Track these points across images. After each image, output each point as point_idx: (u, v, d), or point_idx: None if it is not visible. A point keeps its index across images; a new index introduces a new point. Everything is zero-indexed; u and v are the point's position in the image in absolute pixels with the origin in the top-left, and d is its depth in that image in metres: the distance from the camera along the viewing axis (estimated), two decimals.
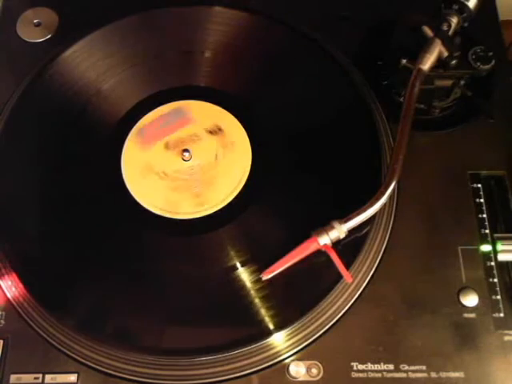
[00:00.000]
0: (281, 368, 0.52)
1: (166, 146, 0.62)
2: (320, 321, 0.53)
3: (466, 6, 0.59)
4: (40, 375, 0.52)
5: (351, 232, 0.54)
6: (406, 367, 0.52)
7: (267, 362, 0.52)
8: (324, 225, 0.53)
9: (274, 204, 0.59)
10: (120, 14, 0.68)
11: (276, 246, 0.55)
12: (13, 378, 0.52)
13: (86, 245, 0.57)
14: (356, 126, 0.62)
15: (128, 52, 0.67)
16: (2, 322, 0.54)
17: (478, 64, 0.59)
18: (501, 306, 0.54)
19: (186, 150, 0.61)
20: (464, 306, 0.54)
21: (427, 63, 0.57)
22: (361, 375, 0.52)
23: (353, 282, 0.54)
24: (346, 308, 0.54)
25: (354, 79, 0.64)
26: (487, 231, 0.57)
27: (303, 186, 0.60)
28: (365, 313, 0.54)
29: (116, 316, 0.54)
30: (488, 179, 0.60)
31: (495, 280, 0.55)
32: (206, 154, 0.62)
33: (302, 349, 0.53)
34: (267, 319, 0.53)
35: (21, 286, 0.54)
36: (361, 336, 0.53)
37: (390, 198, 0.57)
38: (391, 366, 0.52)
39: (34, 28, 0.70)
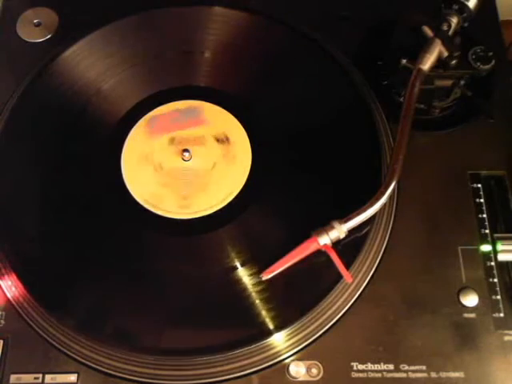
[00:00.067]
0: (281, 368, 0.52)
1: (171, 141, 0.62)
2: (320, 321, 0.53)
3: (466, 6, 0.59)
4: (40, 375, 0.52)
5: (351, 232, 0.54)
6: (406, 367, 0.52)
7: (267, 362, 0.52)
8: (324, 225, 0.53)
9: (273, 204, 0.59)
10: (120, 14, 0.68)
11: (276, 246, 0.55)
12: (13, 378, 0.52)
13: (85, 245, 0.57)
14: (356, 126, 0.61)
15: (128, 52, 0.67)
16: (2, 321, 0.54)
17: (478, 64, 0.59)
18: (501, 306, 0.54)
19: (186, 150, 0.61)
20: (464, 306, 0.54)
21: (427, 63, 0.57)
22: (361, 375, 0.52)
23: (353, 282, 0.54)
24: (346, 308, 0.54)
25: (354, 79, 0.64)
26: (487, 231, 0.57)
27: (303, 186, 0.60)
28: (365, 313, 0.54)
29: (116, 316, 0.54)
30: (488, 179, 0.60)
31: (495, 280, 0.55)
32: (206, 160, 0.61)
33: (302, 349, 0.53)
34: (267, 319, 0.53)
35: (21, 286, 0.54)
36: (361, 336, 0.53)
37: (390, 198, 0.57)
38: (391, 366, 0.52)
39: (33, 28, 0.70)
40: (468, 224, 0.58)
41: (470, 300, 0.54)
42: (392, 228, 0.58)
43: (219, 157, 0.61)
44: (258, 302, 0.53)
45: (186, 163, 0.61)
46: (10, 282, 0.55)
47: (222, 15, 0.68)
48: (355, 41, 0.68)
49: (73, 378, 0.52)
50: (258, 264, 0.55)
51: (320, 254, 0.53)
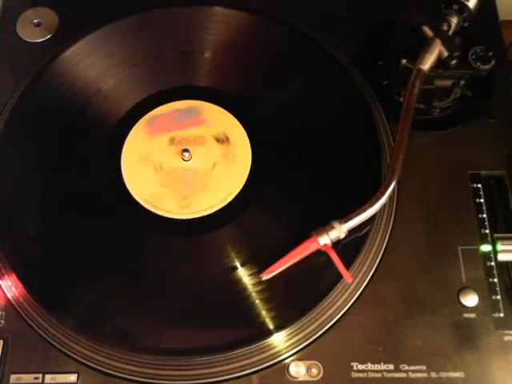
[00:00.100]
0: (281, 368, 0.52)
1: (171, 141, 0.62)
2: (320, 321, 0.53)
3: (466, 6, 0.59)
4: (40, 375, 0.52)
5: (351, 232, 0.54)
6: (406, 367, 0.52)
7: (267, 361, 0.52)
8: (324, 225, 0.53)
9: (273, 204, 0.59)
10: (120, 14, 0.68)
11: (276, 246, 0.55)
12: (13, 378, 0.52)
13: (85, 245, 0.57)
14: (356, 126, 0.61)
15: (128, 52, 0.67)
16: (2, 321, 0.54)
17: (478, 64, 0.59)
18: (501, 306, 0.54)
19: (186, 150, 0.61)
20: (464, 305, 0.54)
21: (427, 63, 0.57)
22: (361, 375, 0.52)
23: (353, 282, 0.54)
24: (346, 308, 0.54)
25: (354, 79, 0.64)
26: (487, 231, 0.57)
27: (303, 185, 0.60)
28: (365, 313, 0.54)
29: (116, 316, 0.54)
30: (488, 179, 0.60)
31: (495, 280, 0.55)
32: (206, 160, 0.61)
33: (302, 349, 0.53)
34: (267, 319, 0.53)
35: (21, 286, 0.54)
36: (361, 336, 0.53)
37: (390, 198, 0.57)
38: (391, 366, 0.52)
39: (33, 28, 0.70)
40: (468, 224, 0.58)
41: (470, 300, 0.54)
42: (392, 228, 0.58)
43: (219, 157, 0.61)
44: (258, 302, 0.53)
45: (186, 163, 0.61)
46: (9, 282, 0.55)
47: (222, 15, 0.68)
48: (355, 41, 0.68)
49: (73, 378, 0.52)
50: (257, 264, 0.55)
51: (320, 254, 0.53)
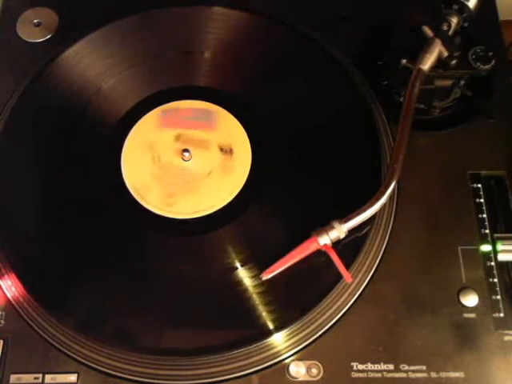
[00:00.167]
0: (281, 368, 0.52)
1: (177, 138, 0.62)
2: (320, 321, 0.53)
3: (466, 6, 0.59)
4: (40, 375, 0.52)
5: (351, 232, 0.54)
6: (406, 367, 0.52)
7: (267, 361, 0.52)
8: (324, 225, 0.53)
9: (273, 204, 0.59)
10: (120, 14, 0.68)
11: (276, 246, 0.55)
12: (13, 378, 0.52)
13: (85, 245, 0.57)
14: (356, 125, 0.61)
15: (128, 52, 0.67)
16: (2, 321, 0.54)
17: (478, 64, 0.59)
18: (501, 306, 0.54)
19: (187, 151, 0.61)
20: (464, 305, 0.54)
21: (427, 63, 0.57)
22: (361, 375, 0.52)
23: (353, 282, 0.54)
24: (346, 308, 0.54)
25: (354, 79, 0.64)
26: (487, 231, 0.57)
27: (303, 186, 0.60)
28: (365, 313, 0.54)
29: (116, 316, 0.54)
30: (488, 179, 0.60)
31: (495, 280, 0.55)
32: (204, 165, 0.61)
33: (302, 349, 0.53)
34: (267, 319, 0.53)
35: (21, 286, 0.54)
36: (361, 336, 0.53)
37: (390, 198, 0.57)
38: (391, 366, 0.52)
39: (33, 28, 0.70)
40: (468, 224, 0.58)
41: (470, 300, 0.54)
42: (392, 228, 0.58)
43: (217, 166, 0.61)
44: (258, 302, 0.53)
45: (184, 163, 0.61)
46: (9, 282, 0.55)
47: (222, 15, 0.68)
48: (355, 41, 0.68)
49: (73, 378, 0.52)
50: (258, 264, 0.55)
51: (320, 253, 0.53)
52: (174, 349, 0.52)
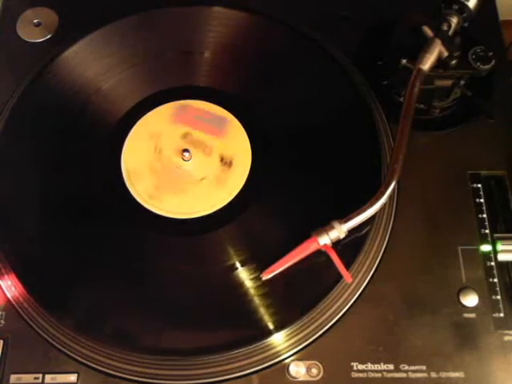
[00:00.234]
0: (281, 368, 0.52)
1: (184, 136, 0.62)
2: (320, 321, 0.53)
3: (466, 6, 0.59)
4: (40, 375, 0.52)
5: (351, 232, 0.54)
6: (406, 367, 0.52)
7: (267, 361, 0.52)
8: (324, 225, 0.53)
9: (273, 204, 0.59)
10: (120, 14, 0.68)
11: (276, 246, 0.55)
12: (13, 378, 0.52)
13: (85, 245, 0.57)
14: (356, 126, 0.61)
15: (128, 52, 0.67)
16: (2, 321, 0.54)
17: (478, 64, 0.59)
18: (501, 306, 0.54)
19: (187, 151, 0.61)
20: (464, 305, 0.54)
21: (427, 63, 0.57)
22: (361, 375, 0.52)
23: (353, 282, 0.54)
24: (346, 308, 0.54)
25: (354, 79, 0.64)
26: (487, 231, 0.57)
27: (303, 186, 0.60)
28: (365, 313, 0.54)
29: (116, 316, 0.54)
30: (488, 179, 0.60)
31: (495, 280, 0.55)
32: (199, 170, 0.61)
33: (302, 349, 0.53)
34: (267, 319, 0.53)
35: (21, 286, 0.54)
36: (361, 336, 0.53)
37: (390, 197, 0.57)
38: (391, 366, 0.52)
39: (33, 28, 0.70)
40: (468, 224, 0.58)
41: (470, 300, 0.54)
42: (392, 228, 0.58)
43: (212, 175, 0.61)
44: (258, 302, 0.53)
45: (183, 162, 0.61)
46: (9, 282, 0.55)
47: (221, 15, 0.68)
48: (355, 41, 0.68)
49: (73, 378, 0.52)
50: (258, 264, 0.55)
51: (320, 254, 0.53)
52: (174, 349, 0.52)
